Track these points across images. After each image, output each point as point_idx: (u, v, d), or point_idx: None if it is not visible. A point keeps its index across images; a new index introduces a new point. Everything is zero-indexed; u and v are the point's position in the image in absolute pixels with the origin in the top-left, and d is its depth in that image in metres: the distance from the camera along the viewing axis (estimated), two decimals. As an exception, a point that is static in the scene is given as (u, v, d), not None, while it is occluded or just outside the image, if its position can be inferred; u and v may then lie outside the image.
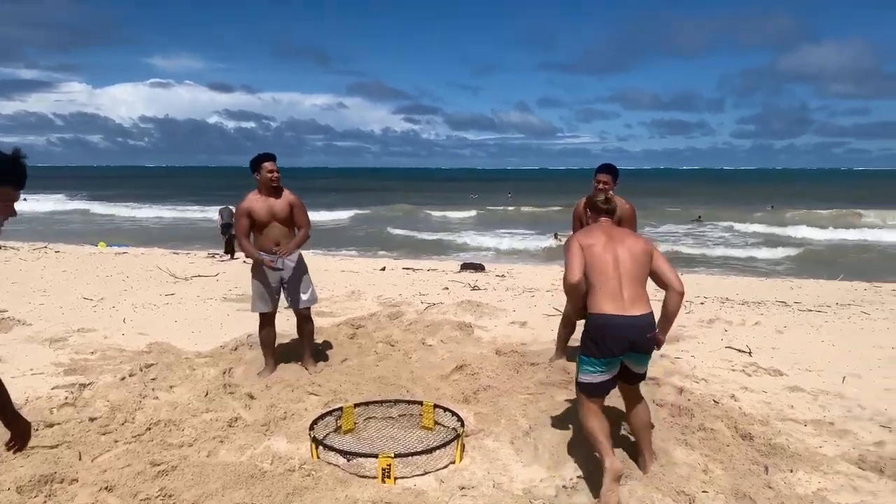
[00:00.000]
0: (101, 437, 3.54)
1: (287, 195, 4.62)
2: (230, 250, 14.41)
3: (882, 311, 7.42)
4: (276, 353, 4.84)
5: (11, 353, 5.17)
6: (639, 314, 2.99)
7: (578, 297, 3.09)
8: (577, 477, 3.15)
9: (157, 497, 2.90)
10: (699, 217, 30.58)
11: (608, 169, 4.45)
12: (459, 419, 3.65)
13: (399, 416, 3.91)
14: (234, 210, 13.12)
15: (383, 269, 12.16)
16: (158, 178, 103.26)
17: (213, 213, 19.36)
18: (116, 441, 3.50)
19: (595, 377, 3.05)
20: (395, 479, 3.10)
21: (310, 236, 4.76)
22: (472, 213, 34.90)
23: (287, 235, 4.64)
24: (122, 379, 4.50)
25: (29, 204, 34.63)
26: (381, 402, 4.00)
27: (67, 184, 59.35)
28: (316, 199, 37.46)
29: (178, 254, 14.76)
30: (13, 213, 1.82)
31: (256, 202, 4.55)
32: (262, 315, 4.71)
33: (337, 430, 3.72)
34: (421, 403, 3.89)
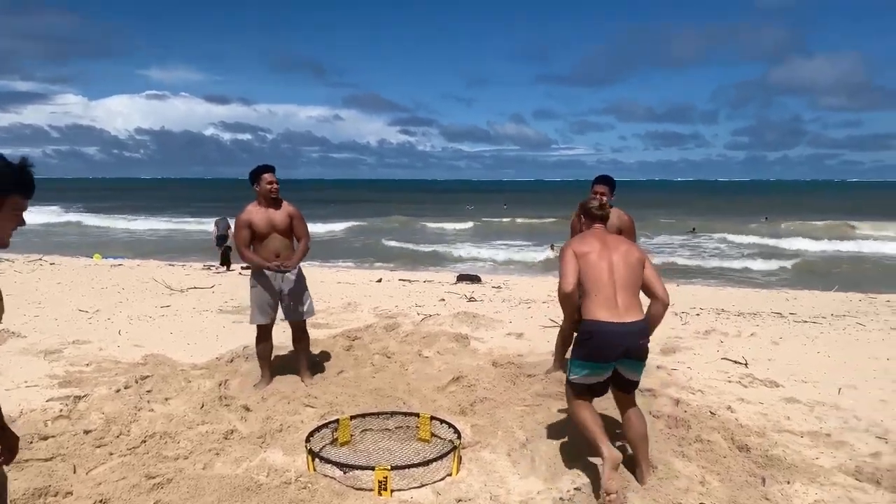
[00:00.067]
0: (96, 449, 3.52)
1: (286, 206, 4.64)
2: (226, 262, 14.38)
3: (877, 322, 7.45)
4: (272, 365, 4.83)
5: (6, 365, 5.14)
6: (632, 321, 3.02)
7: (572, 306, 3.11)
8: (574, 489, 3.14)
9: (152, 510, 2.89)
10: (693, 229, 30.67)
11: (605, 180, 4.48)
12: (456, 431, 3.64)
13: (395, 428, 3.90)
14: (230, 221, 13.12)
15: (379, 280, 12.14)
16: (154, 190, 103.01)
17: (209, 224, 19.33)
18: (111, 454, 3.48)
19: (585, 378, 3.10)
20: (392, 491, 3.09)
21: (309, 247, 4.77)
22: (469, 224, 34.92)
23: (287, 246, 4.65)
24: (118, 391, 4.48)
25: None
26: (378, 414, 3.99)
27: (63, 195, 59.17)
28: (312, 210, 37.34)
29: (173, 265, 14.72)
30: (22, 222, 1.82)
31: (256, 213, 4.56)
32: (259, 327, 4.70)
33: (333, 442, 3.71)
34: (417, 415, 3.88)
